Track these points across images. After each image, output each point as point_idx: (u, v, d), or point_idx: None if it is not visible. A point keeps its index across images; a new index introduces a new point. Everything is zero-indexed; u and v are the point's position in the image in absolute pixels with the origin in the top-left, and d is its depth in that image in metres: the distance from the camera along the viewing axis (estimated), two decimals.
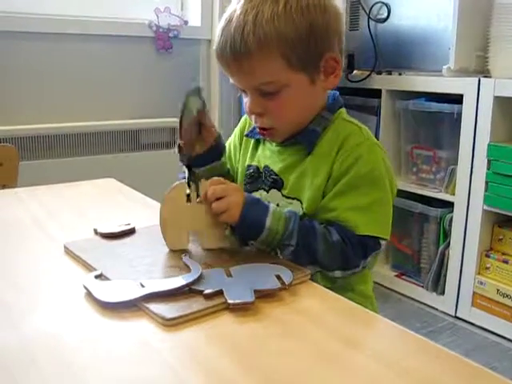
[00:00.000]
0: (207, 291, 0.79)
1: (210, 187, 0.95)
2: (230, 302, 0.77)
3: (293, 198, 1.07)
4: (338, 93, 1.14)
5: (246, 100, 1.07)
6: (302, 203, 1.06)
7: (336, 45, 1.06)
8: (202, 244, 0.98)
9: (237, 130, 1.26)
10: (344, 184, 1.01)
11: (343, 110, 1.13)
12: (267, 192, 1.12)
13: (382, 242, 1.03)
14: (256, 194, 1.12)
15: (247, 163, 1.18)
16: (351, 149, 1.03)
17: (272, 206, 0.99)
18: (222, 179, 0.99)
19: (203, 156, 1.13)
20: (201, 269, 0.85)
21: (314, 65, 1.03)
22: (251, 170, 1.16)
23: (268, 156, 1.14)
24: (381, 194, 1.03)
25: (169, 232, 0.97)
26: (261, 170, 1.14)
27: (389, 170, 1.06)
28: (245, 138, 1.21)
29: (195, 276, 0.82)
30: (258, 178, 1.14)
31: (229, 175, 1.22)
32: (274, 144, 1.14)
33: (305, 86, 1.04)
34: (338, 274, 1.00)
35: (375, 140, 1.08)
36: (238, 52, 0.98)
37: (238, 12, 0.99)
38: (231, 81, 1.07)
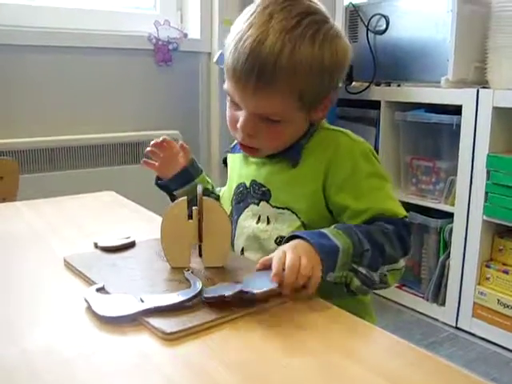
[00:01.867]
0: (206, 295, 0.81)
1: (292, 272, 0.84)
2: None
3: (283, 208, 1.07)
4: None
5: (236, 113, 1.07)
6: (295, 214, 1.06)
7: (338, 84, 1.09)
8: (204, 261, 0.97)
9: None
10: (361, 190, 1.02)
11: (323, 120, 1.14)
12: (257, 205, 1.11)
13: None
14: (247, 210, 1.13)
15: (236, 183, 1.18)
16: (346, 157, 1.04)
17: (325, 230, 0.95)
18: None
19: (176, 178, 1.21)
20: (201, 284, 0.85)
21: (315, 105, 1.05)
22: (240, 189, 1.16)
23: (253, 169, 1.14)
24: (388, 182, 1.08)
25: (170, 249, 0.96)
26: (248, 186, 1.14)
27: (377, 158, 1.09)
28: (229, 154, 1.22)
29: (195, 291, 0.82)
30: (246, 194, 1.14)
31: (213, 194, 1.27)
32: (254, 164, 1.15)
33: (301, 121, 1.07)
34: (402, 263, 1.00)
35: (360, 138, 1.09)
36: (265, 78, 0.97)
37: (272, 37, 0.96)
38: (225, 86, 1.06)
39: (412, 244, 1.02)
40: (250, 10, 1.02)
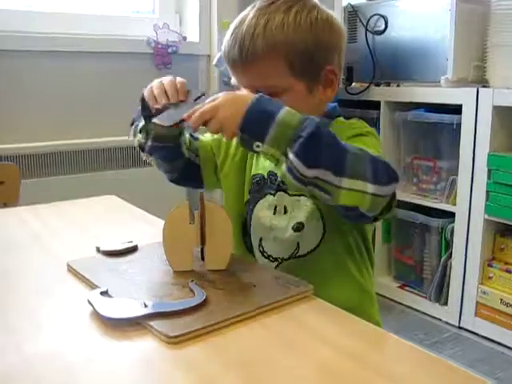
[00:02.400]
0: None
1: (196, 111, 0.94)
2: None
3: (299, 195, 1.08)
4: (337, 104, 1.18)
5: None
6: (311, 198, 1.06)
7: (336, 60, 1.11)
8: (206, 264, 0.97)
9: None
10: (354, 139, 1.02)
11: (341, 118, 1.15)
12: (274, 195, 1.12)
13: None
14: (263, 200, 1.14)
15: (253, 173, 1.18)
16: (355, 130, 1.06)
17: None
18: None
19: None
20: (205, 294, 0.84)
21: (314, 74, 1.08)
22: (257, 179, 1.16)
23: (269, 162, 1.14)
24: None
25: (172, 252, 0.96)
26: (266, 177, 1.15)
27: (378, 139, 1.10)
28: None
29: (199, 300, 0.82)
30: (263, 184, 1.15)
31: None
32: None
33: (303, 94, 1.08)
34: (369, 188, 0.88)
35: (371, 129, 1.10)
36: (246, 52, 1.03)
37: (251, 15, 1.05)
38: (232, 81, 1.11)
39: (391, 184, 0.91)
40: None
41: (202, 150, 1.25)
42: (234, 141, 1.17)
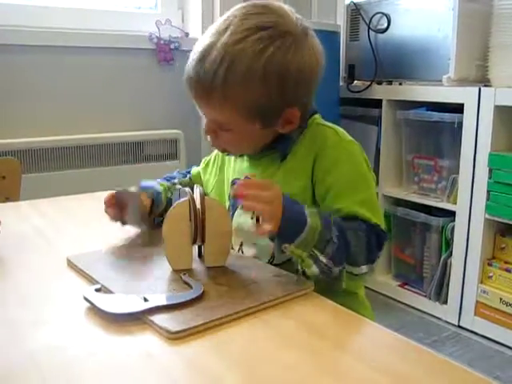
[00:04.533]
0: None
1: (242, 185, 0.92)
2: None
3: None
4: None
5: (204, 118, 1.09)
6: None
7: (299, 101, 1.04)
8: (205, 261, 0.97)
9: (211, 157, 1.30)
10: (339, 184, 1.01)
11: (317, 115, 1.13)
12: None
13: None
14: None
15: (231, 178, 1.19)
16: (329, 149, 1.04)
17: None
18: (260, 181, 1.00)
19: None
20: (202, 286, 0.85)
21: (270, 118, 1.04)
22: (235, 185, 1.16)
23: (245, 167, 1.15)
24: (371, 188, 1.05)
25: (172, 251, 0.95)
26: None
27: (367, 161, 1.07)
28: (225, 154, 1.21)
29: (198, 293, 0.83)
30: None
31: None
32: (245, 156, 1.16)
33: (257, 130, 1.05)
34: (364, 269, 0.97)
35: (350, 138, 1.08)
36: (203, 89, 1.00)
37: (221, 43, 0.98)
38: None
39: (378, 256, 0.99)
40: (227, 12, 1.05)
41: (196, 178, 1.33)
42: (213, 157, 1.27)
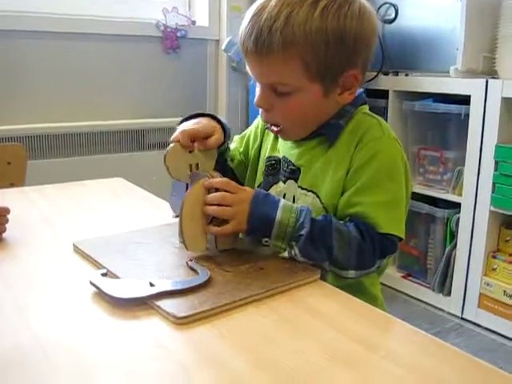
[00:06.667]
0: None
1: (221, 194, 0.95)
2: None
3: (308, 190, 1.06)
4: (362, 90, 1.11)
5: (257, 90, 1.05)
6: (318, 197, 1.04)
7: (360, 61, 1.02)
8: (216, 244, 0.97)
9: (258, 121, 1.24)
10: (367, 179, 0.99)
11: (366, 106, 1.10)
12: (284, 183, 1.10)
13: (398, 243, 1.01)
14: (275, 186, 1.12)
15: (268, 155, 1.16)
16: (370, 142, 1.01)
17: (283, 200, 0.98)
18: (233, 184, 0.97)
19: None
20: (209, 272, 0.85)
21: (332, 78, 1.01)
22: (272, 162, 1.14)
23: (288, 146, 1.12)
24: (399, 191, 1.03)
25: (188, 232, 0.94)
26: (280, 161, 1.13)
27: (406, 166, 1.05)
28: (266, 130, 1.19)
29: (204, 278, 0.83)
30: (278, 169, 1.13)
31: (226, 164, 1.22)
32: None
33: (317, 97, 1.02)
34: (351, 273, 0.96)
35: (394, 135, 1.05)
36: (262, 45, 0.96)
37: (273, 3, 0.96)
38: (247, 68, 1.05)
39: (376, 264, 0.98)
40: None
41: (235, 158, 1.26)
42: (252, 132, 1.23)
